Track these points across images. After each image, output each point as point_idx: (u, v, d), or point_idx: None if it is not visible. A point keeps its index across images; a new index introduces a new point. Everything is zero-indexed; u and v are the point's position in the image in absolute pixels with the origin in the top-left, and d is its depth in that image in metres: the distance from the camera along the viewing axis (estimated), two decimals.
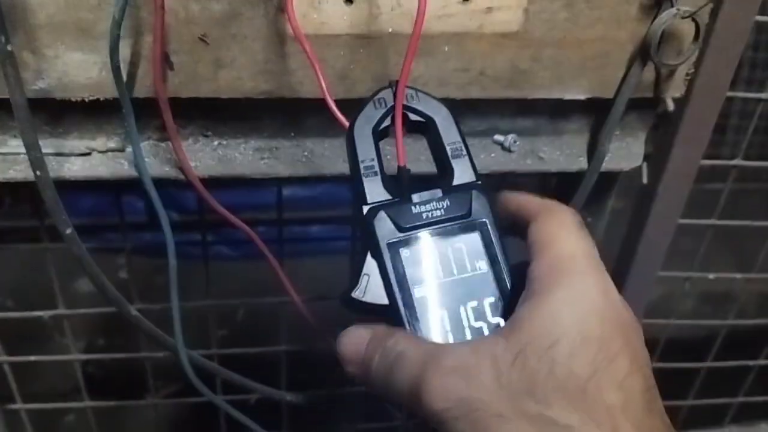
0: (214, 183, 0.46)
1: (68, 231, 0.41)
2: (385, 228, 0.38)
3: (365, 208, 0.38)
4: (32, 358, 0.71)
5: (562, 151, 0.52)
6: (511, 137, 0.51)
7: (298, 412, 0.76)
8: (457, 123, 0.41)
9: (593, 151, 0.52)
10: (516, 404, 0.32)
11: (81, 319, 1.56)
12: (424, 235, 0.39)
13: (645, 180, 0.59)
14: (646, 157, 0.56)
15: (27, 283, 0.65)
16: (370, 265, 0.38)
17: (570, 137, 0.52)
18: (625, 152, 0.54)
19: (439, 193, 0.39)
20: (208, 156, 0.44)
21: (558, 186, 0.59)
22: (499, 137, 0.51)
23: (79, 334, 1.58)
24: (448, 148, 0.40)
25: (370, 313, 0.38)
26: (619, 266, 0.67)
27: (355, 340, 0.38)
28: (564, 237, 0.37)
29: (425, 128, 0.41)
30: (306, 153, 0.47)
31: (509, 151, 0.50)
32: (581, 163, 0.53)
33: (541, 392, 0.32)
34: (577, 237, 0.37)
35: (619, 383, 0.33)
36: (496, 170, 0.51)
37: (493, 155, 0.50)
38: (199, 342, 0.67)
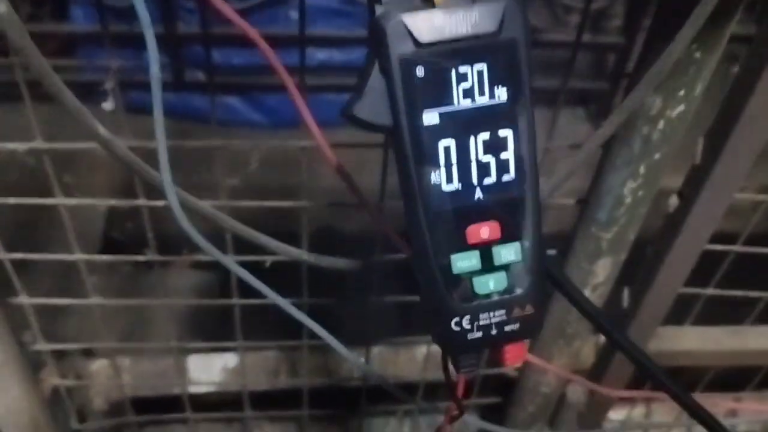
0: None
1: None
2: (399, 39, 0.32)
3: (378, 9, 0.32)
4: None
5: None
6: None
7: (319, 279, 0.72)
8: None
9: None
10: None
11: (103, 181, 1.56)
12: (443, 53, 0.32)
13: None
14: None
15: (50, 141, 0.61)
16: (377, 79, 0.32)
17: None
18: None
19: (468, 1, 0.32)
20: None
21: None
22: None
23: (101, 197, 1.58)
24: None
25: (371, 130, 0.33)
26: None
27: None
28: None
29: None
30: None
31: None
32: None
33: None
34: None
35: None
36: None
37: None
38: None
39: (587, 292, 0.68)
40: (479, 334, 0.35)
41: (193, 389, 1.02)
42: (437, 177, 0.33)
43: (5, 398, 0.72)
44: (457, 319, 0.35)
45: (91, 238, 1.51)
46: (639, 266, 0.71)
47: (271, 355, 1.04)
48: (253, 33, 0.38)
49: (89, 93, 1.58)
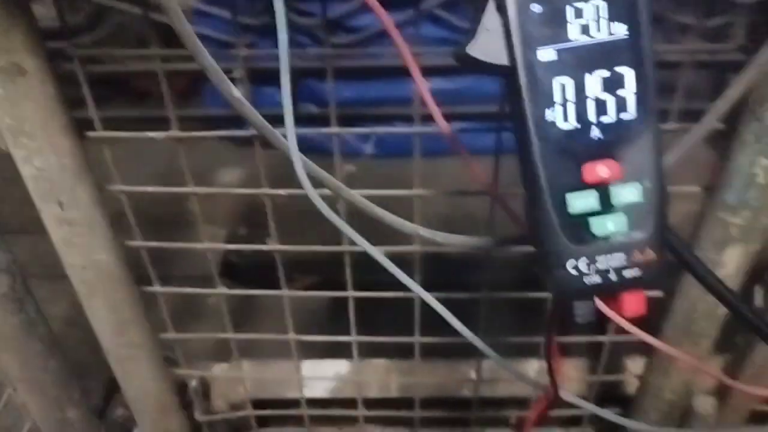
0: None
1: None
2: None
3: None
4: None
5: None
6: None
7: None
8: None
9: None
10: None
11: (223, 209, 1.65)
12: None
13: None
14: None
15: (173, 170, 0.66)
16: (492, 18, 0.33)
17: None
18: None
19: None
20: None
21: None
22: None
23: (221, 223, 1.66)
24: None
25: (484, 71, 0.33)
26: None
27: None
28: None
29: None
30: None
31: None
32: None
33: None
34: None
35: None
36: None
37: None
38: None
39: None
40: (597, 279, 0.34)
41: (308, 394, 1.05)
42: (553, 115, 0.33)
43: (139, 380, 0.76)
44: (573, 261, 0.34)
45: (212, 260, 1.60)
46: None
47: (383, 364, 1.05)
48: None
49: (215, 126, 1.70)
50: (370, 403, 1.04)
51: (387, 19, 0.38)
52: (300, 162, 0.43)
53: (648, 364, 0.77)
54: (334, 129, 0.62)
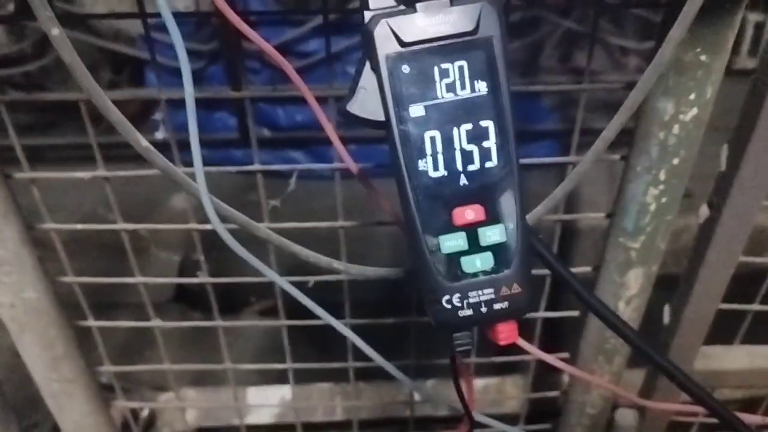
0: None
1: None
2: (386, 40, 0.35)
3: (367, 15, 0.36)
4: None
5: None
6: None
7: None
8: None
9: None
10: None
11: (178, 234, 1.65)
12: (426, 52, 0.36)
13: None
14: None
15: (126, 197, 0.68)
16: (368, 77, 0.36)
17: None
18: None
19: (446, 3, 0.36)
20: None
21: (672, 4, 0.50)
22: None
23: (175, 248, 1.67)
24: None
25: (365, 125, 0.36)
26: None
27: None
28: None
29: None
30: None
31: None
32: None
33: None
34: None
35: None
36: None
37: None
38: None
39: (621, 306, 0.68)
40: (470, 312, 0.38)
41: (252, 420, 1.06)
42: (425, 164, 0.37)
43: (75, 414, 0.77)
44: (447, 296, 0.37)
45: (164, 289, 1.60)
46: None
47: (326, 388, 1.07)
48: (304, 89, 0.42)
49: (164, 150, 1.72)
50: (314, 427, 1.06)
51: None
52: (209, 201, 0.45)
53: (570, 380, 0.81)
54: (257, 166, 0.65)
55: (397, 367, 0.58)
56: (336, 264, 0.56)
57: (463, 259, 0.37)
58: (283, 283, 0.50)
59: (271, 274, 0.50)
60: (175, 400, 1.01)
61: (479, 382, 1.04)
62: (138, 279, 0.74)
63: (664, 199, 0.60)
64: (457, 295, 0.37)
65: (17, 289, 0.64)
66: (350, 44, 1.71)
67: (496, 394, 1.02)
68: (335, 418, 1.08)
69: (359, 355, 0.83)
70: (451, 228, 0.37)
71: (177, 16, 0.38)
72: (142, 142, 0.45)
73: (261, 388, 1.07)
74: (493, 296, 0.38)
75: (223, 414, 1.06)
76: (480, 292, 0.38)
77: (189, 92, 0.41)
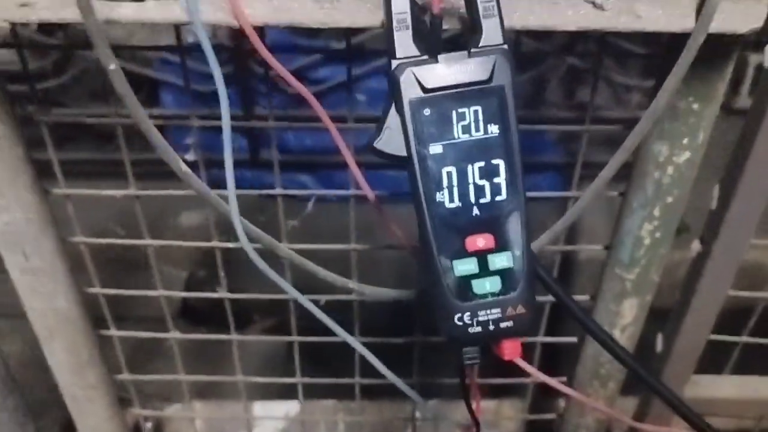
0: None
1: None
2: (410, 86, 0.40)
3: (394, 63, 0.40)
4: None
5: (665, 10, 0.46)
6: None
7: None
8: None
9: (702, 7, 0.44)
10: None
11: (183, 251, 1.69)
12: (445, 97, 0.41)
13: None
14: None
15: (135, 214, 0.72)
16: (393, 118, 0.41)
17: None
18: (743, 8, 0.46)
19: (465, 55, 0.40)
20: (263, 3, 0.45)
21: (667, 56, 0.51)
22: None
23: (181, 265, 1.71)
24: (480, 6, 0.40)
25: (390, 160, 0.41)
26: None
27: None
28: None
29: None
30: (368, 5, 0.44)
31: (601, 9, 0.46)
32: (687, 22, 0.46)
33: None
34: None
35: None
36: (585, 27, 0.47)
37: (582, 12, 0.46)
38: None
39: (616, 333, 0.72)
40: (479, 329, 0.42)
41: None
42: (441, 196, 0.41)
43: (94, 419, 0.81)
44: (459, 315, 0.42)
45: (171, 304, 1.64)
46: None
47: (330, 404, 1.11)
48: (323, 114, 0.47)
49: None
50: None
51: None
52: (239, 222, 0.49)
53: (566, 404, 0.85)
54: (279, 191, 0.69)
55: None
56: (351, 284, 0.61)
57: (474, 282, 0.42)
58: (304, 301, 0.54)
59: (292, 292, 0.54)
60: (183, 411, 1.05)
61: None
62: (160, 292, 0.78)
63: (658, 234, 0.64)
64: (468, 313, 0.42)
65: (50, 298, 0.68)
66: (361, 72, 1.78)
67: (493, 415, 1.06)
68: None
69: (365, 372, 0.88)
70: (463, 254, 0.41)
71: (216, 49, 0.43)
72: (182, 167, 0.49)
73: (266, 402, 1.11)
74: (500, 315, 0.42)
75: (229, 427, 1.10)
76: (488, 312, 0.42)
77: (226, 121, 0.46)
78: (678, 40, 0.47)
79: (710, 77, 0.54)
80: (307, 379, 0.89)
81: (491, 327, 0.42)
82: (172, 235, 1.70)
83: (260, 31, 0.45)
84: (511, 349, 0.44)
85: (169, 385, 1.02)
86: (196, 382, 0.95)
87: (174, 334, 0.84)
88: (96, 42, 0.43)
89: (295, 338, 0.84)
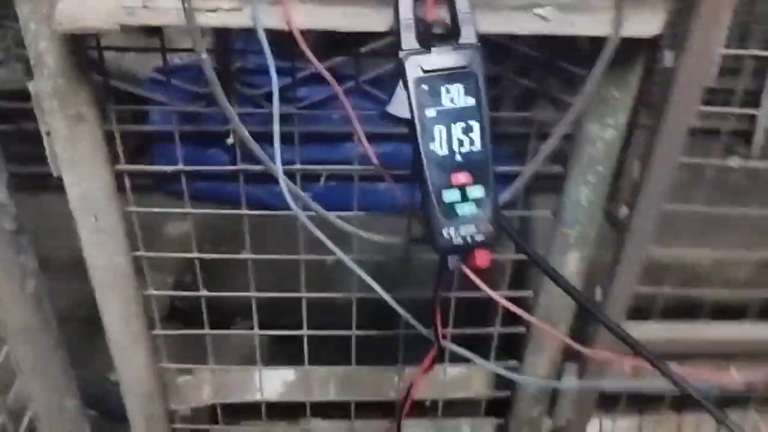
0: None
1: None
2: (413, 69, 0.58)
3: (401, 53, 0.58)
4: None
5: (590, 19, 0.65)
6: (549, 8, 0.64)
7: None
8: None
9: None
10: None
11: (170, 258, 1.84)
12: (437, 77, 0.59)
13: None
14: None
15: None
16: (400, 91, 0.59)
17: (601, 11, 0.65)
18: (646, 18, 0.66)
19: (450, 49, 0.59)
20: (304, 13, 0.61)
21: (591, 52, 0.69)
22: (538, 10, 0.64)
23: (168, 271, 1.85)
24: (460, 15, 0.59)
25: (397, 123, 0.59)
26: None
27: None
28: None
29: None
30: (381, 15, 0.60)
31: (546, 20, 0.65)
32: (606, 28, 0.65)
33: None
34: None
35: None
36: (535, 32, 0.66)
37: (533, 22, 0.65)
38: None
39: None
40: (460, 241, 0.60)
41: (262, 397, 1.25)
42: (434, 146, 0.59)
43: (134, 368, 0.96)
44: (446, 230, 0.60)
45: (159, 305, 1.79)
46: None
47: (324, 371, 1.27)
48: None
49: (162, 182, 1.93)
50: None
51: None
52: (285, 185, 0.67)
53: (525, 347, 1.03)
54: (297, 166, 0.87)
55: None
56: (358, 230, 0.78)
57: (457, 206, 0.60)
58: (349, 262, 0.71)
59: (341, 255, 0.70)
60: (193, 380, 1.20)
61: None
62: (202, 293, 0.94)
63: (593, 196, 0.83)
64: (452, 228, 0.60)
65: (112, 255, 0.84)
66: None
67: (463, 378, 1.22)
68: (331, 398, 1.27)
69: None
70: (450, 186, 0.59)
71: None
72: (236, 118, 0.66)
73: (269, 370, 1.26)
74: (474, 231, 0.60)
75: (237, 391, 1.24)
76: (466, 227, 0.60)
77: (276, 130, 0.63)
78: (601, 44, 0.67)
79: (625, 70, 0.74)
80: (311, 331, 1.05)
81: (469, 239, 0.60)
82: (161, 243, 1.85)
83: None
84: (482, 257, 0.62)
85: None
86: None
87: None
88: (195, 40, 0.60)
89: (305, 332, 1.00)
